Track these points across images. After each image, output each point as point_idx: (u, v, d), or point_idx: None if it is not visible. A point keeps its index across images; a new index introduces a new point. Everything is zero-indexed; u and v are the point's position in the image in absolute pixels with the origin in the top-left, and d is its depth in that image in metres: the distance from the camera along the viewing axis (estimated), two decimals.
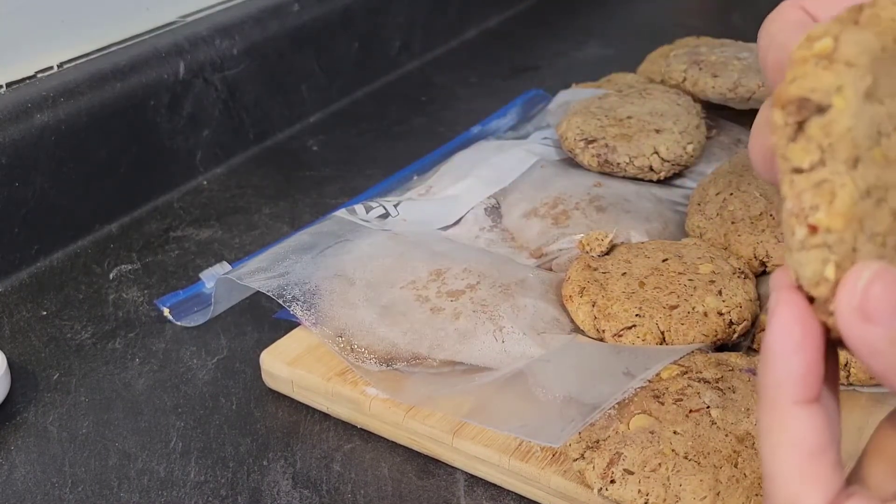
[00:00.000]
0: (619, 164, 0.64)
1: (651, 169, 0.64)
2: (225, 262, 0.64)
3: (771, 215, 0.58)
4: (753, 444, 0.43)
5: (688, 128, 0.66)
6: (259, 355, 0.54)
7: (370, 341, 0.52)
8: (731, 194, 0.60)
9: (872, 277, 0.24)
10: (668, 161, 0.64)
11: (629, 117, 0.67)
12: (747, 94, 0.68)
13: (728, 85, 0.69)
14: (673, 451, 0.43)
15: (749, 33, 0.83)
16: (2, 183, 0.63)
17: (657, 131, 0.65)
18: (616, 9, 1.11)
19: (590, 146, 0.65)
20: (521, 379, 0.49)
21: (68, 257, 0.67)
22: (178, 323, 0.60)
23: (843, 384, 0.48)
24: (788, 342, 0.26)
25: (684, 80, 0.72)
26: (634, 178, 0.65)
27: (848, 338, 0.25)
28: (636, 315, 0.52)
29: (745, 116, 0.72)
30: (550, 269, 0.59)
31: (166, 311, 0.60)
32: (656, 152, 0.64)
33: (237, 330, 0.59)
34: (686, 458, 0.42)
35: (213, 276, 0.61)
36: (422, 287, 0.55)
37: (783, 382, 0.26)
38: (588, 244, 0.57)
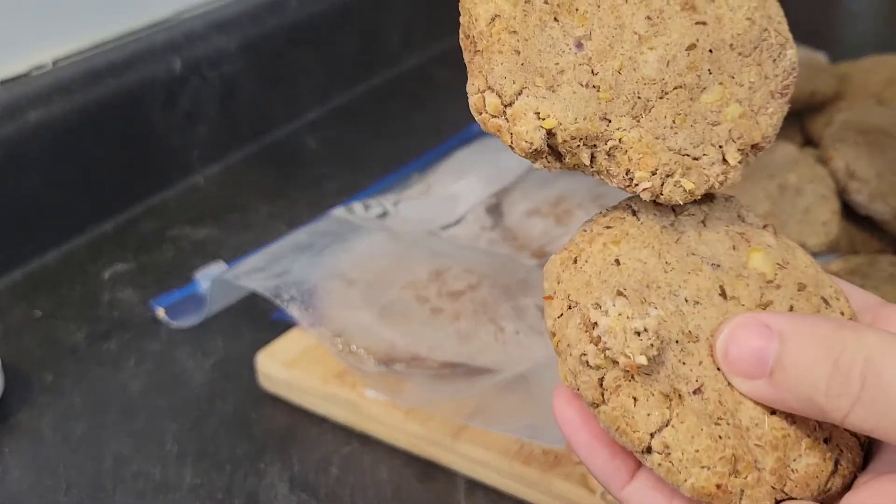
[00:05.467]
0: None
1: None
2: (221, 262, 0.63)
3: (775, 216, 0.57)
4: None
5: None
6: (256, 357, 0.54)
7: (369, 342, 0.51)
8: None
9: (726, 342, 0.28)
10: None
11: None
12: None
13: None
14: None
15: None
16: None
17: None
18: None
19: None
20: (523, 382, 0.48)
21: (62, 257, 0.66)
22: (174, 324, 0.59)
23: None
24: (581, 449, 0.30)
25: None
26: None
27: (750, 397, 0.28)
28: None
29: None
30: None
31: (161, 312, 0.60)
32: None
33: (233, 331, 0.59)
34: None
35: (209, 277, 0.60)
36: (421, 287, 0.54)
37: (602, 481, 0.30)
38: None
